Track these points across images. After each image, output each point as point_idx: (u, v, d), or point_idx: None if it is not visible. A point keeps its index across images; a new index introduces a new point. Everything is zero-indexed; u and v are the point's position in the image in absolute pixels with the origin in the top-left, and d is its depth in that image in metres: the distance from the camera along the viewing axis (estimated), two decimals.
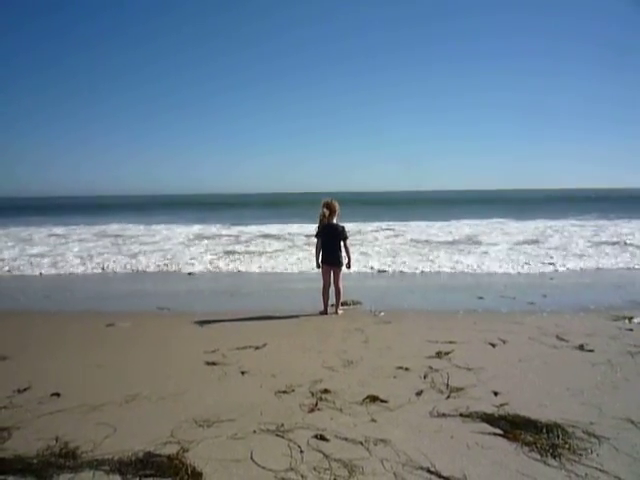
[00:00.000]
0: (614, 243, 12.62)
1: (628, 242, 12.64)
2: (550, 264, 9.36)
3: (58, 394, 3.28)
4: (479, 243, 13.36)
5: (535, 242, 13.29)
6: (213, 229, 19.61)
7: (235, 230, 18.75)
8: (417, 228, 18.39)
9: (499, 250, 11.63)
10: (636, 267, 9.11)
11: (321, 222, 5.62)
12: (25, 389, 3.38)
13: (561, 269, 8.97)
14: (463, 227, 18.65)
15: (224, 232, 18.15)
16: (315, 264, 5.78)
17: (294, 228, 18.91)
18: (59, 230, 19.09)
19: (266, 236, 16.15)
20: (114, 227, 20.76)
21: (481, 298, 6.38)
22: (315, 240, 5.78)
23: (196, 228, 19.91)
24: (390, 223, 20.51)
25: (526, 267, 9.11)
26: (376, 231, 17.46)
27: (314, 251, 5.78)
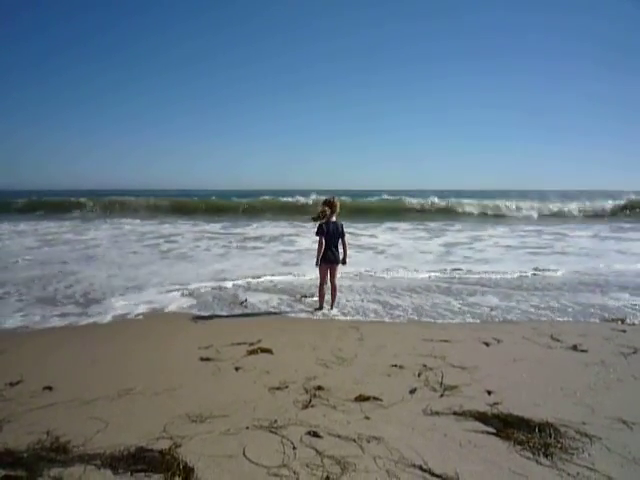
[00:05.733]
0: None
1: None
2: None
3: (50, 388, 3.27)
4: None
5: None
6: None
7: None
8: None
9: None
10: None
11: (325, 220, 5.59)
12: (17, 382, 3.36)
13: None
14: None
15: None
16: (315, 261, 5.67)
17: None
18: None
19: None
20: None
21: None
22: (317, 238, 5.60)
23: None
24: None
25: None
26: None
27: (317, 248, 5.60)
